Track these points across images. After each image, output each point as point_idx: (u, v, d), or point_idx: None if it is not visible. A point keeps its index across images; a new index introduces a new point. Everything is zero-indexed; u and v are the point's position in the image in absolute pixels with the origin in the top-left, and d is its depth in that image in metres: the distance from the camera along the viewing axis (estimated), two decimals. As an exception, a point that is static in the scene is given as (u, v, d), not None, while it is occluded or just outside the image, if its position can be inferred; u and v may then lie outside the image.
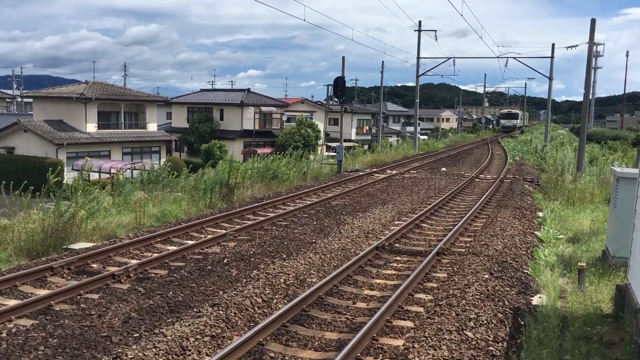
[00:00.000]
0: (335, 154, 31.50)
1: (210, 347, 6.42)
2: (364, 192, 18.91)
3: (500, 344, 6.77)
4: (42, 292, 8.00)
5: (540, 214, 15.72)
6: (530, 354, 6.46)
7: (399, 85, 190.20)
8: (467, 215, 14.23)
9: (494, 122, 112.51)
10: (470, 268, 9.66)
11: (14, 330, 6.66)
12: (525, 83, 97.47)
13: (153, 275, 9.01)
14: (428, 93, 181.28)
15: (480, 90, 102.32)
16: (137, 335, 6.53)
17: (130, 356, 5.86)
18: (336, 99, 28.67)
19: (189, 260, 9.88)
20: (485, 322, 7.26)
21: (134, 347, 6.13)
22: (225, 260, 9.78)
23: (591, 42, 24.85)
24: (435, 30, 47.17)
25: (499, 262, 10.14)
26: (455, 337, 6.71)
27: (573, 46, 35.92)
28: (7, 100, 71.50)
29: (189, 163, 36.68)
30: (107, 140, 39.14)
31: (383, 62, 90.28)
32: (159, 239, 11.21)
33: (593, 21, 25.16)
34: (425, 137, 70.62)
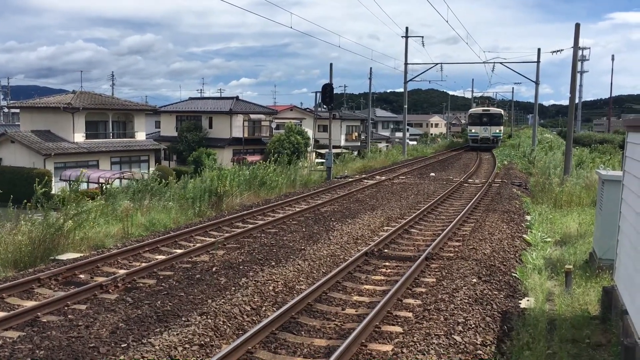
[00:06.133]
0: (324, 160, 31.58)
1: (198, 356, 6.39)
2: (353, 198, 18.94)
3: (488, 347, 6.80)
4: (29, 304, 7.95)
5: (528, 218, 15.82)
6: (518, 357, 6.50)
7: (388, 91, 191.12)
8: (456, 219, 14.29)
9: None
10: (459, 272, 9.70)
11: (0, 342, 6.60)
12: (513, 88, 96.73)
13: (141, 285, 8.98)
14: (417, 99, 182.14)
15: (469, 95, 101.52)
16: (125, 345, 6.50)
17: (117, 366, 5.83)
18: (325, 106, 28.74)
19: (177, 269, 9.85)
20: (473, 326, 7.29)
21: (122, 357, 6.10)
22: (214, 269, 9.76)
23: (576, 47, 25.10)
24: (422, 37, 47.11)
25: (487, 266, 10.18)
26: (443, 341, 6.73)
27: (558, 51, 36.29)
28: (-6, 111, 71.09)
29: (178, 172, 36.59)
30: (95, 150, 39.00)
31: (371, 68, 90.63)
32: (147, 249, 11.17)
33: (577, 26, 25.44)
34: (415, 142, 70.59)
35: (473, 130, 53.22)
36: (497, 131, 52.44)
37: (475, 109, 58.01)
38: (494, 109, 57.10)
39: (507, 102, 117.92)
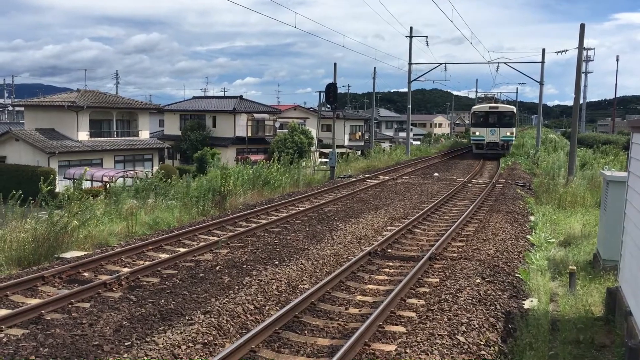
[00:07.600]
0: (328, 160, 31.59)
1: (202, 354, 6.40)
2: (357, 198, 18.93)
3: (492, 347, 6.79)
4: (33, 302, 7.96)
5: (532, 218, 15.79)
6: (521, 357, 6.49)
7: (392, 91, 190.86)
8: (460, 220, 14.27)
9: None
10: (462, 273, 9.68)
11: (4, 340, 6.62)
12: (517, 88, 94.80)
13: (145, 283, 8.99)
14: (421, 99, 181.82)
15: (473, 95, 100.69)
16: (129, 343, 6.51)
17: (121, 365, 5.84)
18: (328, 106, 28.73)
19: (181, 268, 9.86)
20: (477, 326, 7.28)
21: (126, 355, 6.11)
22: (217, 268, 9.77)
23: (580, 47, 25.05)
24: (427, 37, 46.97)
25: (490, 267, 10.17)
26: (447, 341, 6.72)
27: (563, 51, 36.20)
28: (-1, 109, 71.35)
29: (182, 170, 36.64)
30: (99, 148, 39.05)
31: (375, 68, 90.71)
32: (150, 247, 11.19)
33: (582, 26, 25.37)
34: (418, 142, 70.27)
35: (477, 133, 40.51)
36: (508, 134, 39.87)
37: (480, 106, 43.82)
38: (503, 106, 43.43)
39: (511, 102, 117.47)
